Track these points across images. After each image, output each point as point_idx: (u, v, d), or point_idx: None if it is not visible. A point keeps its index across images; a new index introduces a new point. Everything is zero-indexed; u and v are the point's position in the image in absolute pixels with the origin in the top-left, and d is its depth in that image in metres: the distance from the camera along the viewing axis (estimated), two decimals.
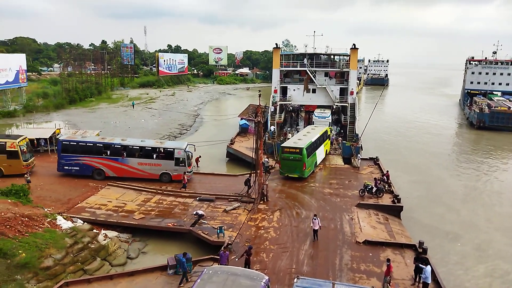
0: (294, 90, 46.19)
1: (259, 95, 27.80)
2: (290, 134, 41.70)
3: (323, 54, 48.95)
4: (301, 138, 33.43)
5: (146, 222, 22.65)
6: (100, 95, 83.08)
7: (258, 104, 26.98)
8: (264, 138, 32.37)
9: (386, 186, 28.25)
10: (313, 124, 41.76)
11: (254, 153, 26.01)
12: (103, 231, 21.41)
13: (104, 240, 20.46)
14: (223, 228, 20.89)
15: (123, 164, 29.15)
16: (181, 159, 29.12)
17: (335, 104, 46.01)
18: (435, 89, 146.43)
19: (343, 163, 35.88)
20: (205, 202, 25.61)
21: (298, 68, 46.47)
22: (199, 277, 13.05)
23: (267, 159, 33.70)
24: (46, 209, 21.96)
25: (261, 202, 25.58)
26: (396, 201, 25.97)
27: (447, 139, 56.21)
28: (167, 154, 29.27)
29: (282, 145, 32.36)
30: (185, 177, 28.52)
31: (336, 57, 49.80)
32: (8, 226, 18.09)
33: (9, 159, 28.11)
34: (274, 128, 42.90)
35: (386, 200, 26.50)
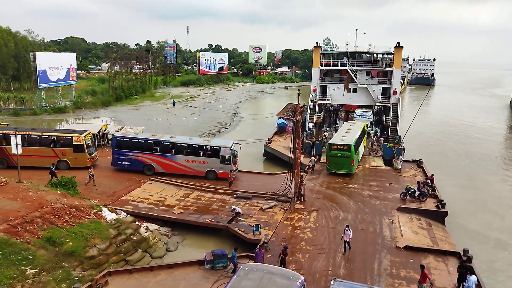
0: (334, 89, 45.48)
1: (298, 94, 27.63)
2: (326, 133, 41.70)
3: (365, 53, 47.76)
4: (345, 135, 33.52)
5: (185, 217, 23.20)
6: (144, 93, 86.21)
7: (297, 103, 26.82)
8: (302, 137, 32.17)
9: (430, 190, 27.13)
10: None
11: (291, 153, 25.90)
12: (144, 224, 22.17)
13: (146, 232, 21.15)
14: (259, 226, 20.97)
15: (171, 161, 29.94)
16: (226, 157, 29.46)
17: (377, 104, 44.82)
18: (485, 90, 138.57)
19: (383, 165, 34.90)
20: (242, 200, 25.82)
21: (339, 67, 45.72)
22: (236, 273, 13.18)
23: (314, 158, 34.00)
24: (92, 201, 23.03)
25: (298, 202, 25.42)
26: (440, 206, 24.85)
27: (496, 142, 53.01)
28: (213, 152, 29.73)
29: (329, 142, 32.67)
30: (232, 176, 28.90)
31: (379, 55, 48.48)
32: (57, 216, 19.17)
33: (75, 152, 29.73)
34: (312, 125, 42.51)
35: (429, 204, 25.45)
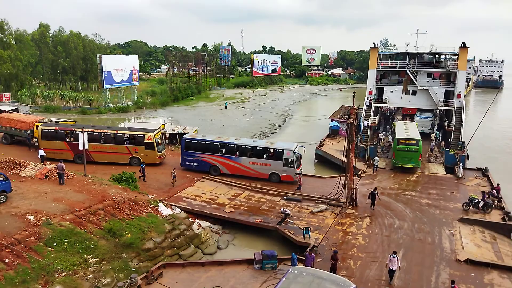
0: (391, 91, 43.84)
1: (353, 96, 26.91)
2: (381, 134, 40.90)
3: (427, 54, 45.45)
4: (407, 131, 33.76)
5: (236, 216, 23.53)
6: (199, 94, 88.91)
7: (352, 106, 26.16)
8: (356, 140, 31.29)
9: (496, 201, 25.15)
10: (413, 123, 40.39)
11: (344, 156, 25.28)
12: (197, 221, 22.80)
13: (198, 229, 21.77)
14: (309, 229, 20.70)
15: (236, 163, 30.25)
16: (290, 160, 29.23)
17: (438, 107, 42.45)
18: None
19: (444, 172, 32.93)
20: (292, 202, 25.68)
21: (398, 69, 43.98)
22: (285, 276, 13.11)
23: (377, 158, 33.78)
24: (150, 196, 24.14)
25: (350, 207, 24.77)
26: (507, 218, 22.97)
27: None
28: (277, 155, 29.62)
29: (397, 136, 33.19)
30: (301, 179, 28.72)
31: (441, 56, 45.92)
32: (118, 209, 20.35)
33: (146, 150, 31.42)
34: (367, 124, 41.21)
35: (494, 216, 23.61)
